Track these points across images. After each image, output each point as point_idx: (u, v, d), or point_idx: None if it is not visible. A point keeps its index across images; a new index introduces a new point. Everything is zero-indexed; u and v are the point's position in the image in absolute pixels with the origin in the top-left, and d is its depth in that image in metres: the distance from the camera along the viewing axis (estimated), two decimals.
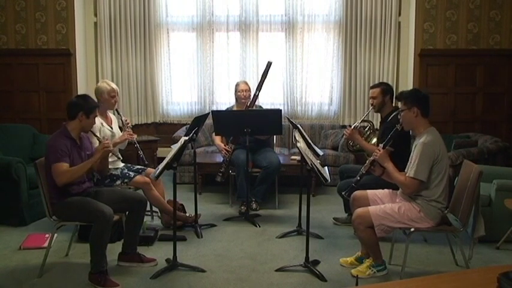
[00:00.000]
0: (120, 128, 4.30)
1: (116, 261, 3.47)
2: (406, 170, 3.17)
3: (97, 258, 3.12)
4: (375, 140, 4.20)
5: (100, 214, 3.08)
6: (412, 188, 3.08)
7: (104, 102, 4.03)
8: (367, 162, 3.40)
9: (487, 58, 6.03)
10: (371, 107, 4.15)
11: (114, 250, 3.55)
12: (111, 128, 4.12)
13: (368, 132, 4.33)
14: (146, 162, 4.12)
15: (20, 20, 6.22)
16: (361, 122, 4.24)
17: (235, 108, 5.06)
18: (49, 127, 6.11)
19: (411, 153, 3.17)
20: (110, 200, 3.31)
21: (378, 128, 4.43)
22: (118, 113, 4.20)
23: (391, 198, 3.34)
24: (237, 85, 5.03)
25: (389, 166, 3.20)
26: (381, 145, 3.32)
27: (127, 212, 3.50)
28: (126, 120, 4.16)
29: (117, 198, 3.41)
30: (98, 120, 3.94)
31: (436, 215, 3.10)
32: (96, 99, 4.04)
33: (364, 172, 3.40)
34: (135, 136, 4.11)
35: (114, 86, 4.10)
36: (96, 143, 3.85)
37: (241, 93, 4.92)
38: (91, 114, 3.31)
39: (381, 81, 6.05)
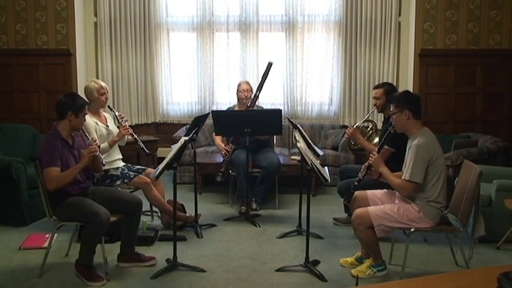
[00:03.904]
0: (118, 127, 4.29)
1: (116, 262, 3.47)
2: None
3: (85, 254, 3.18)
4: (376, 139, 4.21)
5: (95, 217, 3.09)
6: (409, 190, 3.08)
7: (94, 101, 4.03)
8: (363, 167, 3.42)
9: (487, 58, 6.03)
10: (374, 107, 4.15)
11: (114, 250, 3.56)
12: (107, 126, 4.11)
13: (370, 132, 4.33)
14: (148, 152, 4.09)
15: (20, 20, 6.22)
16: (363, 121, 4.24)
17: (236, 108, 5.06)
18: (49, 127, 6.09)
19: (406, 155, 3.17)
20: (106, 200, 3.32)
21: (381, 128, 4.42)
22: (110, 109, 4.18)
23: (391, 199, 3.34)
24: (238, 85, 5.04)
25: (384, 170, 3.21)
26: (376, 149, 3.34)
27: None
28: (120, 115, 4.15)
29: (113, 198, 3.41)
30: (92, 119, 3.94)
31: (436, 215, 3.10)
32: (86, 99, 4.05)
33: (361, 178, 3.42)
34: (130, 130, 4.06)
35: (102, 83, 4.10)
36: (96, 138, 3.85)
37: (243, 93, 4.93)
38: (80, 113, 3.28)
39: (381, 81, 6.04)
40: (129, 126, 4.09)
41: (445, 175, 3.14)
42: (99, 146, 3.38)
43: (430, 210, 3.09)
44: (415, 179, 3.02)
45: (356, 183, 3.46)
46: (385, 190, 3.42)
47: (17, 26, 6.22)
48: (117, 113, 4.15)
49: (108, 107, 4.17)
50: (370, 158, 3.30)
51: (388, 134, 3.29)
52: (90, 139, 3.36)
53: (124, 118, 4.15)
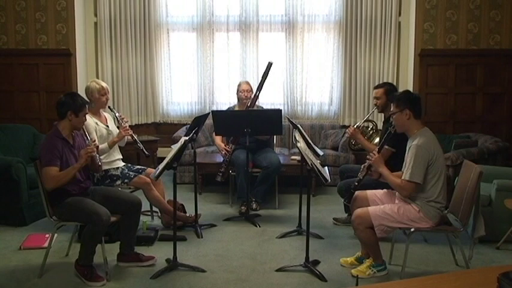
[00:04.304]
0: (118, 126, 4.29)
1: (116, 261, 3.47)
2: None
3: (86, 254, 3.18)
4: (377, 139, 4.21)
5: (96, 217, 3.09)
6: (409, 190, 3.08)
7: (95, 101, 4.03)
8: (363, 167, 3.41)
9: (487, 58, 6.03)
10: (375, 107, 4.15)
11: (114, 250, 3.55)
12: (107, 126, 4.11)
13: (371, 132, 4.33)
14: (147, 154, 4.10)
15: (20, 20, 6.22)
16: (364, 121, 4.24)
17: (237, 108, 5.07)
18: (49, 127, 6.10)
19: (405, 155, 3.17)
20: (105, 200, 3.32)
21: (381, 127, 4.42)
22: (111, 110, 4.19)
23: (391, 199, 3.34)
24: (238, 85, 5.05)
25: (384, 170, 3.21)
26: (376, 149, 3.34)
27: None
28: (120, 116, 4.15)
29: (112, 198, 3.41)
30: (92, 119, 3.95)
31: (436, 215, 3.10)
32: (87, 100, 4.06)
33: (361, 178, 3.42)
34: (130, 131, 4.08)
35: (103, 84, 4.10)
36: (95, 139, 3.85)
37: (243, 93, 4.93)
38: (80, 113, 3.28)
39: (381, 81, 6.04)
40: (129, 127, 4.09)
41: (445, 175, 3.14)
42: (97, 147, 3.38)
43: (430, 210, 3.09)
44: (415, 179, 3.02)
45: (356, 184, 3.46)
46: (385, 190, 3.42)
47: (17, 26, 6.22)
48: (117, 114, 4.15)
49: (109, 107, 4.18)
50: (370, 158, 3.30)
51: (388, 134, 3.29)
52: (89, 139, 3.36)
53: (124, 119, 4.15)
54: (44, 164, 3.16)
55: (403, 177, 3.08)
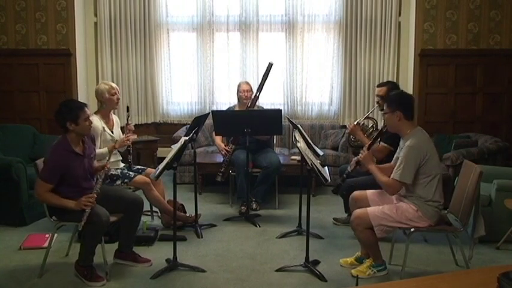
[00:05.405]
0: (122, 128, 4.30)
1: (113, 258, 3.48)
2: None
3: (86, 254, 3.17)
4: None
5: (96, 218, 3.08)
6: (396, 189, 3.11)
7: (106, 102, 4.04)
8: (352, 161, 3.45)
9: (487, 58, 6.03)
10: (376, 105, 4.16)
11: (113, 250, 3.54)
12: (112, 132, 4.12)
13: (371, 130, 4.34)
14: (133, 167, 4.17)
15: (20, 20, 6.21)
16: (364, 118, 4.25)
17: (237, 108, 5.07)
18: (49, 127, 6.12)
19: (398, 152, 3.19)
20: (105, 199, 3.29)
21: (382, 126, 4.42)
22: (127, 110, 4.25)
23: (390, 199, 3.34)
24: (239, 85, 5.06)
25: (373, 167, 3.23)
26: (366, 146, 3.36)
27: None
28: (129, 124, 4.15)
29: (113, 198, 3.40)
30: (100, 123, 3.95)
31: (434, 214, 3.11)
32: (99, 102, 4.07)
33: (350, 171, 3.48)
34: (131, 139, 4.09)
35: (112, 84, 4.13)
36: (97, 144, 3.86)
37: (243, 93, 4.94)
38: (79, 119, 3.15)
39: (381, 81, 6.04)
40: (131, 137, 4.09)
41: (441, 174, 3.15)
42: (95, 198, 3.23)
43: (428, 209, 3.10)
44: (404, 180, 3.05)
45: (345, 176, 3.59)
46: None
47: (17, 26, 6.21)
48: (129, 120, 4.16)
49: (127, 108, 4.26)
50: (360, 155, 3.32)
51: (380, 131, 3.32)
52: (96, 186, 3.22)
53: (129, 128, 4.12)
54: (41, 175, 3.14)
55: (392, 176, 3.09)
